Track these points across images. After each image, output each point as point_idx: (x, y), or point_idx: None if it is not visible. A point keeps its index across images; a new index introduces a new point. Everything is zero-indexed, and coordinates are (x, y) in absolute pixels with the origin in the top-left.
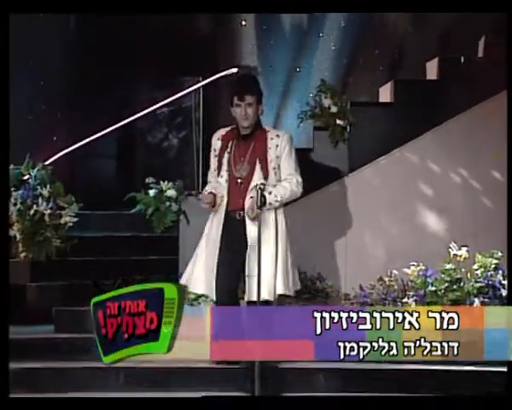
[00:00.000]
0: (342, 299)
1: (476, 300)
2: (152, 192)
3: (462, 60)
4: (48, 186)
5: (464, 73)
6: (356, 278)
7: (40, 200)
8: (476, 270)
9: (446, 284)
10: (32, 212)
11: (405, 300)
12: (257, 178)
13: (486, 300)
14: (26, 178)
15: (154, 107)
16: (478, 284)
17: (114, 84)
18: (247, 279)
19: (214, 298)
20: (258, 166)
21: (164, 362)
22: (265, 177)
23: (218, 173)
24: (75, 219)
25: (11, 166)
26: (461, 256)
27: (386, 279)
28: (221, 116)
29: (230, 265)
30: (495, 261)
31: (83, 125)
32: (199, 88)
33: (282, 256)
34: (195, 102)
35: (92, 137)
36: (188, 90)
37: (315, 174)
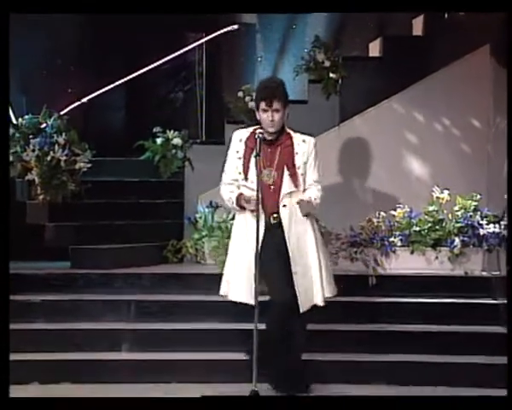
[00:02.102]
0: (334, 239)
1: (456, 239)
2: (159, 140)
3: (446, 16)
4: (63, 134)
5: (448, 29)
6: (347, 220)
7: (56, 147)
8: (457, 211)
9: (429, 225)
10: (49, 158)
11: (392, 239)
12: (286, 185)
13: (466, 239)
14: (43, 126)
15: (161, 61)
16: (458, 224)
17: (124, 41)
18: (296, 286)
19: (254, 304)
20: (286, 173)
21: (172, 295)
22: (295, 183)
23: (246, 177)
24: (89, 165)
25: (30, 115)
26: (443, 199)
27: (375, 220)
28: (223, 70)
29: (280, 269)
30: (474, 203)
31: (95, 78)
32: (202, 44)
33: (325, 260)
34: (199, 57)
35: (104, 89)
36: (192, 46)
37: (309, 124)
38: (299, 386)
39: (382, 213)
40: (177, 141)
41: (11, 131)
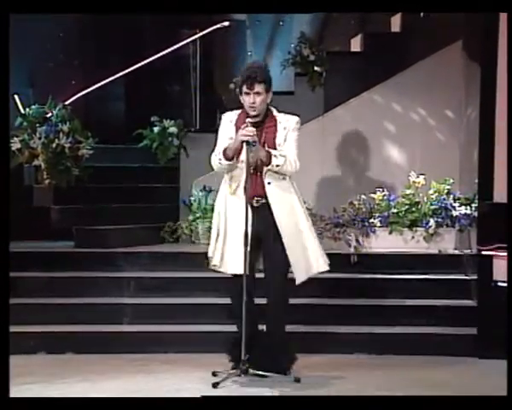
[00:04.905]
0: (319, 220)
1: (431, 219)
2: (156, 129)
3: (422, 15)
4: (67, 123)
5: (423, 27)
6: (330, 202)
7: (61, 135)
8: (431, 194)
9: (406, 207)
10: (54, 145)
11: (372, 220)
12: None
13: (440, 219)
14: (48, 116)
15: (159, 55)
16: (433, 207)
17: (124, 37)
18: (292, 262)
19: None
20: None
21: (168, 272)
22: None
23: (237, 158)
24: (91, 152)
25: (36, 106)
26: (419, 183)
27: (356, 203)
28: (215, 63)
29: (251, 248)
30: (447, 187)
31: (97, 70)
32: (196, 39)
33: (313, 235)
34: (193, 52)
35: (105, 82)
36: (187, 41)
37: (295, 114)
38: (281, 364)
39: (363, 197)
40: (173, 129)
41: (19, 120)
